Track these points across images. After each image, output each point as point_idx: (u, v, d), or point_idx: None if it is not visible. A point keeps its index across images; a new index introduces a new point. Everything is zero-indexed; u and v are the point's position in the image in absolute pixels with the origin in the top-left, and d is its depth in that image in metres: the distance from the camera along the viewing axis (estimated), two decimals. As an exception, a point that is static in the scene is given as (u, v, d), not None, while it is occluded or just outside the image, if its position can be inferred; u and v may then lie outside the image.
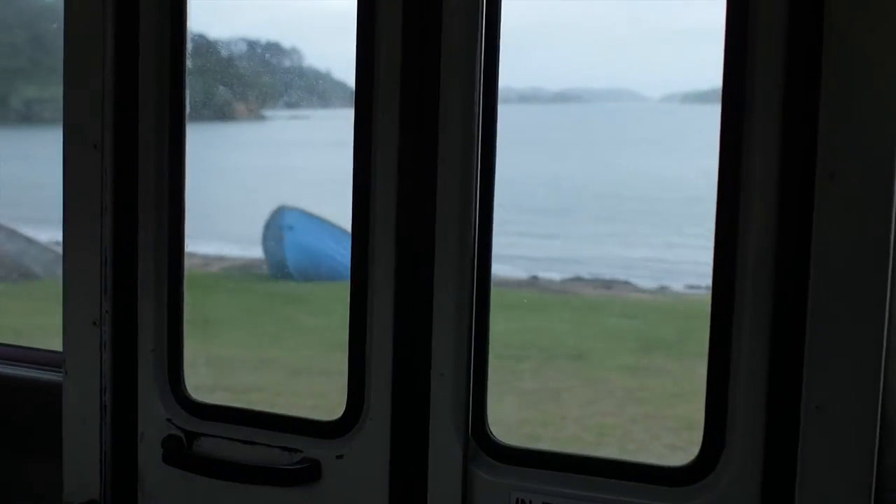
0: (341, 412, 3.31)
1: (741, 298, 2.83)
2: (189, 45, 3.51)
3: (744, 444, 2.85)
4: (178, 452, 3.48)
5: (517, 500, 3.11)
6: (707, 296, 2.90)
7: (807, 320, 2.73)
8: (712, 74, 2.89)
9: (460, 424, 3.14)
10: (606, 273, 15.98)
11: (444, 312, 3.13)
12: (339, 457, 3.29)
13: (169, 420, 3.51)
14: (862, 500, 2.72)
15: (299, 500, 3.34)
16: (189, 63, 3.51)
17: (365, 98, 3.19)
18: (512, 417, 10.46)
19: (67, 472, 3.61)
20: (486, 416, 3.19)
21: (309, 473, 3.32)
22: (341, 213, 3.44)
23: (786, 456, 2.81)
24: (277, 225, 14.41)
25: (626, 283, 15.60)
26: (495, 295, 3.19)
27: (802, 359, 2.74)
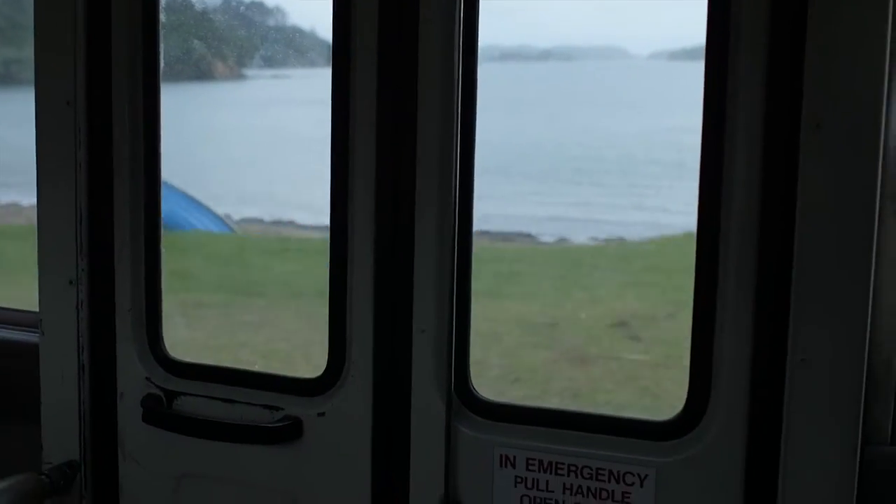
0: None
1: (726, 251, 2.79)
2: (164, 1, 3.44)
3: (729, 397, 2.83)
4: (158, 411, 3.44)
5: (501, 455, 3.08)
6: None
7: (792, 273, 2.70)
8: (700, 32, 2.84)
9: (442, 381, 3.11)
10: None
11: (426, 269, 3.09)
12: (321, 414, 3.25)
13: (148, 379, 3.46)
14: (848, 453, 2.71)
15: (281, 457, 3.31)
16: (163, 18, 3.44)
17: (342, 56, 3.13)
18: (194, 338, 11.08)
19: (46, 432, 3.57)
20: (469, 372, 3.16)
21: (290, 431, 3.28)
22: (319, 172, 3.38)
23: (771, 409, 2.79)
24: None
25: (529, 235, 16.80)
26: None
27: (788, 311, 2.72)
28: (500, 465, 3.08)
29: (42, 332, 3.55)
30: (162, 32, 3.45)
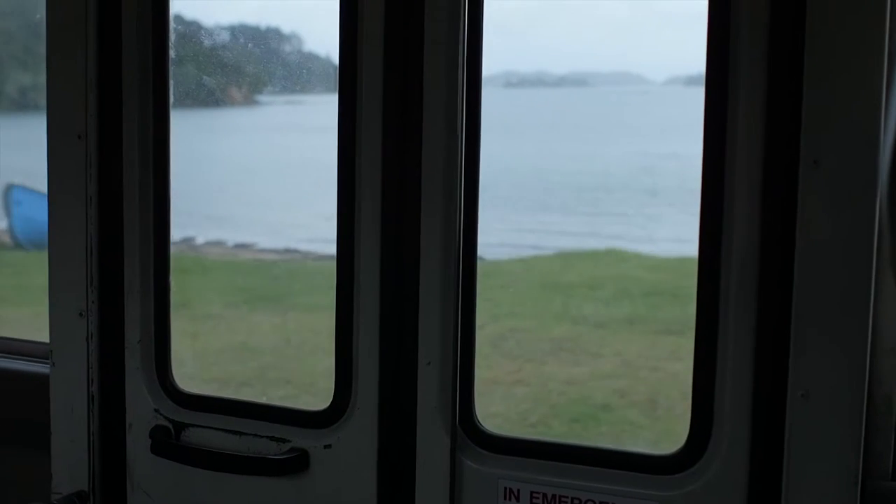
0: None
1: (726, 286, 2.81)
2: (173, 36, 3.49)
3: (731, 432, 2.84)
4: (166, 443, 3.47)
5: (505, 489, 3.10)
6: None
7: (792, 308, 2.72)
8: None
9: (447, 413, 3.13)
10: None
11: (431, 301, 3.12)
12: (327, 447, 3.28)
13: (157, 410, 3.50)
14: (849, 487, 2.72)
15: (287, 489, 3.34)
16: (173, 53, 3.49)
17: (349, 84, 3.17)
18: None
19: (56, 463, 3.60)
20: (474, 405, 3.18)
21: (297, 463, 3.31)
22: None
23: (773, 444, 2.80)
24: (8, 201, 17.40)
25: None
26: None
27: (788, 346, 2.73)
28: (505, 499, 3.10)
29: (52, 363, 3.59)
30: (172, 66, 3.50)
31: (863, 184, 2.62)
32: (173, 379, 3.54)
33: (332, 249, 3.26)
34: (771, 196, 2.76)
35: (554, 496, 3.04)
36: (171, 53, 3.48)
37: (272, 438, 3.36)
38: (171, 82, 3.48)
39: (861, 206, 2.64)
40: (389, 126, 3.14)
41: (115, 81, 3.46)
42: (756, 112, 2.74)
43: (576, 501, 3.02)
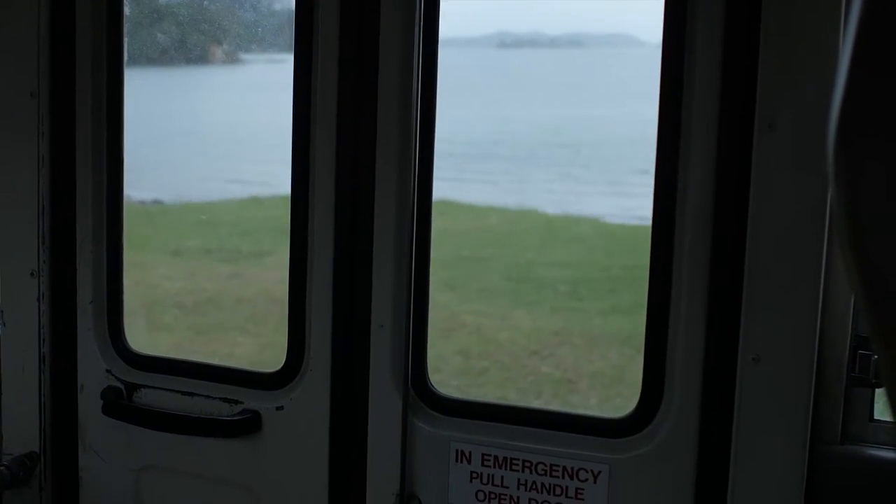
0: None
1: (679, 249, 2.81)
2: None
3: (682, 395, 2.85)
4: (118, 404, 3.45)
5: (457, 450, 3.10)
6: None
7: (744, 272, 2.72)
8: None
9: (400, 376, 3.12)
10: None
11: (384, 265, 3.10)
12: (280, 408, 3.26)
13: (108, 371, 3.47)
14: (797, 451, 2.73)
15: (240, 451, 3.32)
16: (127, 10, 3.44)
17: (305, 45, 3.14)
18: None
19: (6, 423, 3.57)
20: (427, 367, 3.17)
21: (249, 425, 3.29)
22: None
23: (723, 407, 2.81)
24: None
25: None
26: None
27: (740, 310, 2.73)
28: (456, 461, 3.10)
29: (3, 324, 3.54)
30: (127, 23, 3.45)
31: (818, 148, 2.62)
32: (125, 340, 3.51)
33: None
34: (725, 159, 2.75)
35: (505, 458, 3.04)
36: (126, 10, 3.43)
37: (224, 400, 3.34)
38: (126, 39, 3.44)
39: (815, 171, 2.63)
40: (344, 91, 3.11)
41: (69, 38, 3.40)
42: (711, 74, 2.72)
43: (527, 464, 3.02)
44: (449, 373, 10.33)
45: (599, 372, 10.72)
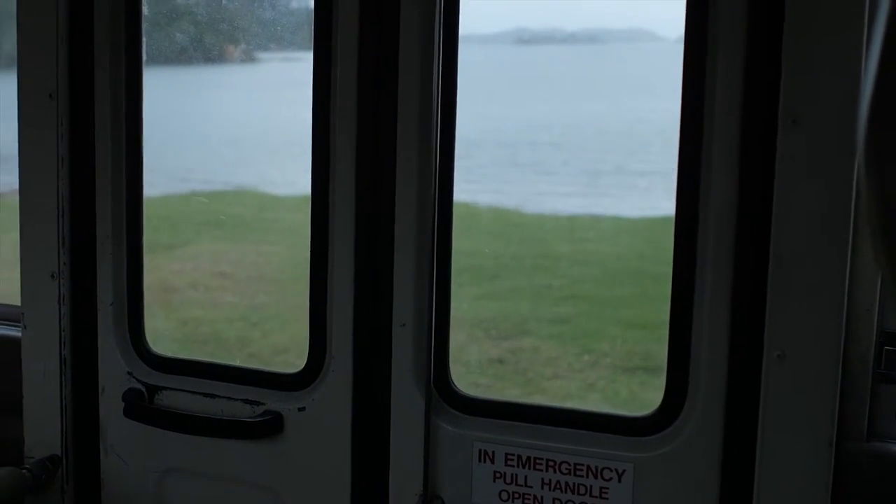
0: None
1: (703, 246, 2.79)
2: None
3: (706, 393, 2.83)
4: (140, 406, 3.44)
5: (480, 450, 3.08)
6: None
7: (769, 268, 2.70)
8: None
9: (422, 375, 3.11)
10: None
11: (405, 264, 3.09)
12: (301, 409, 3.26)
13: (130, 373, 3.46)
14: (823, 449, 2.71)
15: (262, 452, 3.31)
16: (146, 10, 3.43)
17: (324, 45, 3.13)
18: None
19: (28, 426, 3.57)
20: (449, 366, 3.16)
21: (271, 426, 3.28)
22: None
23: (748, 405, 2.79)
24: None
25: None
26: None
27: (764, 307, 2.72)
28: (480, 461, 3.08)
29: (24, 326, 3.54)
30: (145, 23, 3.45)
31: (842, 143, 2.60)
32: (146, 341, 3.50)
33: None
34: (749, 154, 2.73)
35: (528, 458, 3.03)
36: (144, 10, 3.43)
37: (246, 401, 3.33)
38: (144, 40, 3.43)
39: (840, 167, 2.61)
40: (364, 90, 3.10)
41: (88, 40, 3.40)
42: (734, 70, 2.70)
43: (550, 463, 3.01)
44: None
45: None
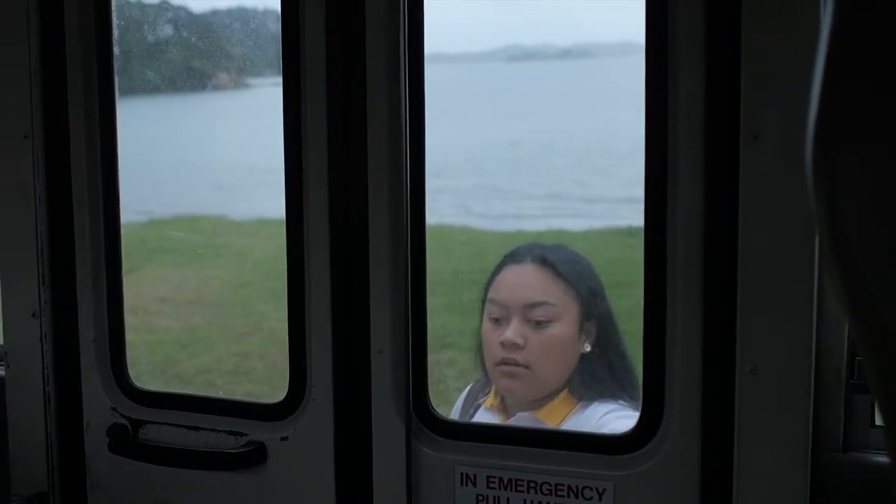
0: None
1: (672, 263, 2.81)
2: (116, 32, 3.46)
3: (682, 409, 2.84)
4: (124, 441, 3.46)
5: (462, 474, 3.10)
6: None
7: (737, 285, 2.71)
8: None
9: (401, 401, 3.13)
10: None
11: (381, 290, 3.11)
12: (284, 438, 3.27)
13: (113, 409, 3.48)
14: (799, 461, 2.72)
15: (246, 482, 3.33)
16: (117, 50, 3.46)
17: (293, 69, 3.14)
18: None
19: (14, 465, 3.58)
20: (428, 391, 3.18)
21: (254, 456, 3.30)
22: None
23: (723, 420, 2.80)
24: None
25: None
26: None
27: (735, 322, 2.73)
28: (462, 484, 3.10)
29: (7, 365, 3.56)
30: (117, 61, 3.48)
31: (804, 158, 2.61)
32: (129, 376, 3.52)
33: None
34: (713, 170, 2.74)
35: (510, 480, 3.04)
36: (115, 50, 3.45)
37: (229, 433, 3.35)
38: (117, 78, 3.46)
39: (804, 180, 2.61)
40: (334, 116, 3.12)
41: (61, 79, 3.43)
42: (695, 87, 2.72)
43: (531, 484, 3.02)
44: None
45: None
